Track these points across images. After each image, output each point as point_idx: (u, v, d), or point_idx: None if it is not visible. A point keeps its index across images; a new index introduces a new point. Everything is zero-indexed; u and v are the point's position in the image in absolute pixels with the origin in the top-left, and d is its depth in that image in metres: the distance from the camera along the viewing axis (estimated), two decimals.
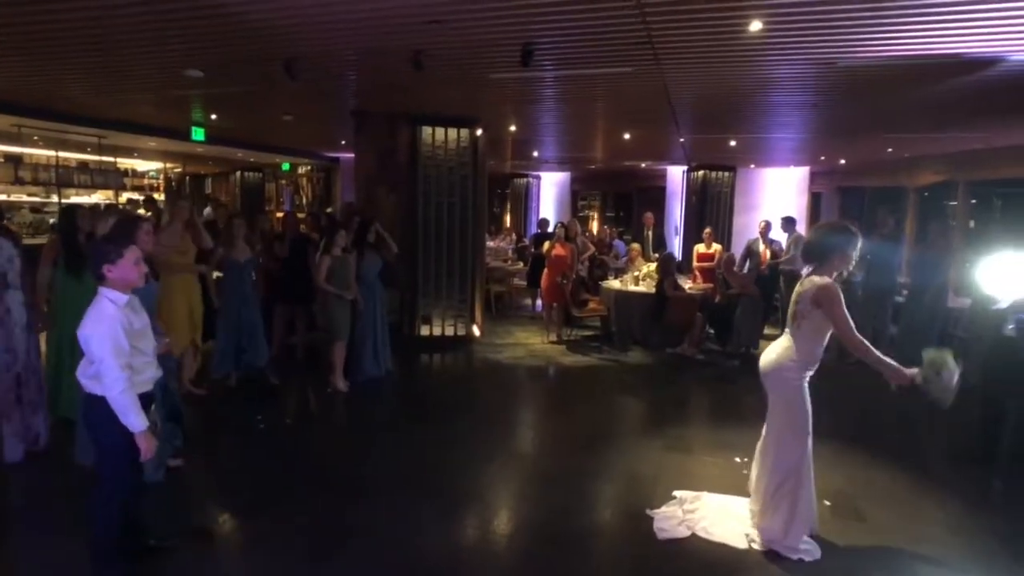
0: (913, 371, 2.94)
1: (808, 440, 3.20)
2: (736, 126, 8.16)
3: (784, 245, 8.56)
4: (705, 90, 5.84)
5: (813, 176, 13.60)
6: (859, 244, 3.14)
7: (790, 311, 3.22)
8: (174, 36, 4.43)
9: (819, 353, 3.14)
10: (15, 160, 10.09)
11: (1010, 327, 4.26)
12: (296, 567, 3.05)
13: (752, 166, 13.18)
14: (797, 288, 3.19)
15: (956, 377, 2.91)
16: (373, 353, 6.11)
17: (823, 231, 3.28)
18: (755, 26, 3.79)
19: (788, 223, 8.52)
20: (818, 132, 8.53)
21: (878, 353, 2.99)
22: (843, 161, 12.33)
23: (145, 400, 2.65)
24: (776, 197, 13.27)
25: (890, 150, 10.01)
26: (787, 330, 3.25)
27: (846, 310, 2.99)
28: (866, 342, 3.00)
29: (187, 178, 16.66)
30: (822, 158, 11.97)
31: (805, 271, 3.21)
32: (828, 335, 3.11)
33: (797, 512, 3.19)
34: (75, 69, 5.67)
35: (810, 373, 3.18)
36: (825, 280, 3.05)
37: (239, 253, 5.51)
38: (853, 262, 3.18)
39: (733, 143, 9.60)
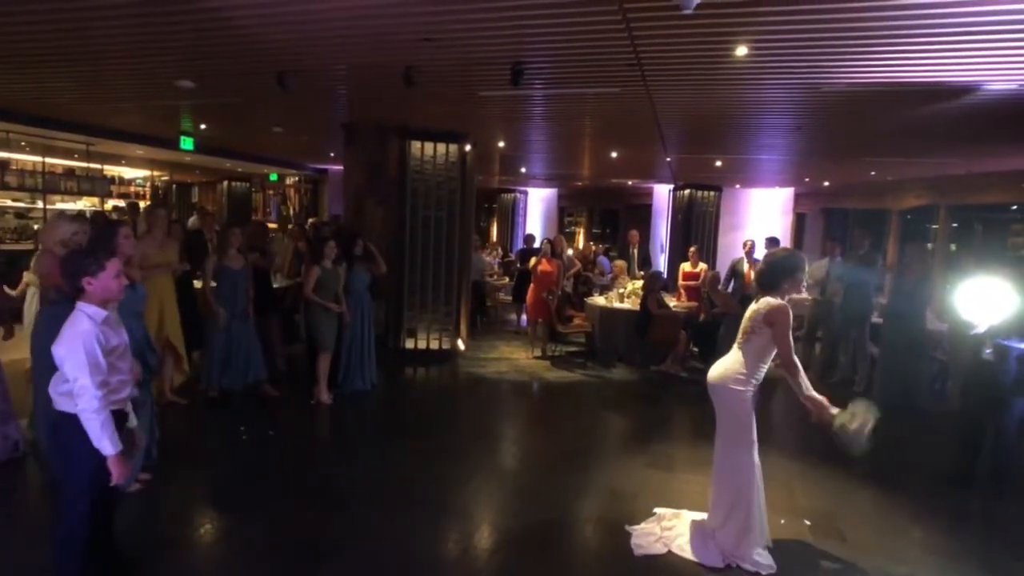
0: (834, 411, 3.08)
1: (754, 449, 3.31)
2: (722, 147, 8.29)
3: None
4: (692, 111, 5.94)
5: (797, 197, 13.83)
6: (807, 268, 3.32)
7: (742, 327, 3.35)
8: (167, 48, 4.44)
9: (764, 368, 3.29)
10: (2, 165, 9.99)
11: (988, 351, 4.33)
12: None
13: (737, 186, 13.37)
14: (752, 306, 3.32)
15: (867, 429, 3.03)
16: (359, 366, 6.08)
17: (772, 258, 3.41)
18: (741, 51, 3.88)
19: (772, 243, 8.61)
20: (802, 154, 8.69)
21: (807, 384, 3.14)
22: (827, 183, 12.55)
23: (118, 419, 2.54)
24: (761, 217, 13.45)
25: (873, 173, 10.22)
26: (736, 345, 3.37)
27: (791, 334, 3.16)
28: (801, 370, 3.15)
29: (174, 186, 16.56)
30: (806, 180, 12.18)
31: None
32: (773, 353, 3.25)
33: (751, 524, 3.27)
34: (64, 78, 5.65)
35: (754, 385, 3.31)
36: (780, 302, 3.20)
37: (232, 261, 5.44)
38: (804, 284, 3.35)
39: (719, 163, 9.75)
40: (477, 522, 3.74)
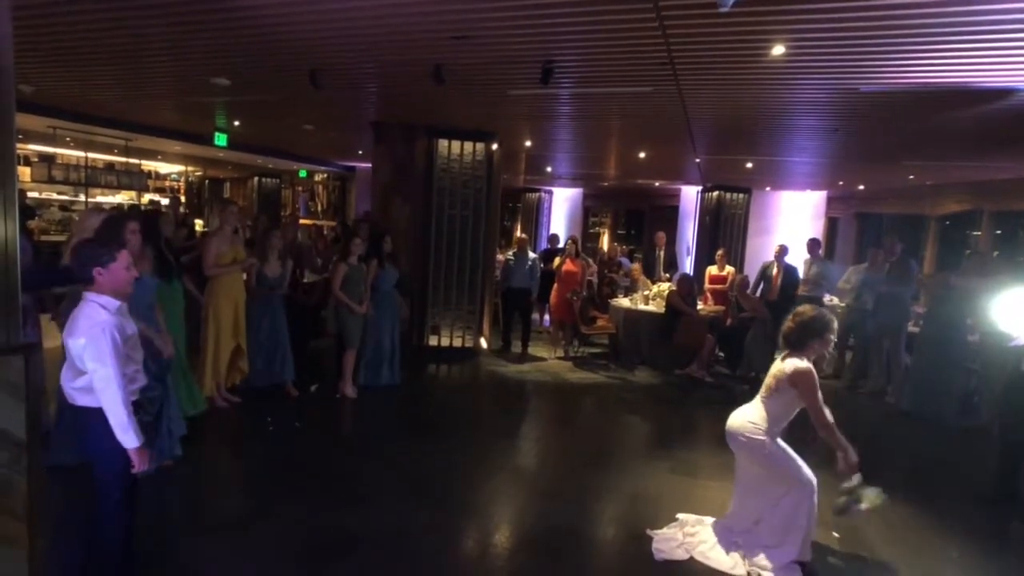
0: (855, 478, 3.25)
1: (803, 475, 3.28)
2: (754, 148, 8.13)
3: (802, 270, 8.33)
4: (724, 112, 5.84)
5: (830, 201, 13.50)
6: (836, 326, 3.33)
7: (766, 381, 3.35)
8: (202, 46, 4.54)
9: (784, 423, 3.31)
10: (48, 160, 10.37)
11: None
12: (295, 573, 3.04)
13: (768, 189, 13.11)
14: (777, 363, 3.32)
15: (860, 510, 3.27)
16: (386, 362, 6.14)
17: (802, 318, 3.32)
18: (778, 50, 3.79)
19: (814, 245, 8.35)
20: (837, 157, 8.47)
21: (841, 436, 3.18)
22: (862, 187, 12.23)
23: (135, 408, 2.53)
24: (792, 221, 13.16)
25: (911, 177, 9.92)
26: (759, 397, 3.36)
27: (820, 392, 3.16)
28: (834, 425, 3.16)
29: (206, 181, 16.92)
30: (840, 183, 11.88)
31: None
32: (797, 410, 3.28)
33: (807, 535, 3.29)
34: (106, 76, 5.82)
35: (774, 435, 3.31)
36: (804, 364, 3.19)
37: (271, 269, 5.44)
38: (832, 344, 3.34)
39: (750, 165, 9.57)
40: (497, 521, 3.74)
